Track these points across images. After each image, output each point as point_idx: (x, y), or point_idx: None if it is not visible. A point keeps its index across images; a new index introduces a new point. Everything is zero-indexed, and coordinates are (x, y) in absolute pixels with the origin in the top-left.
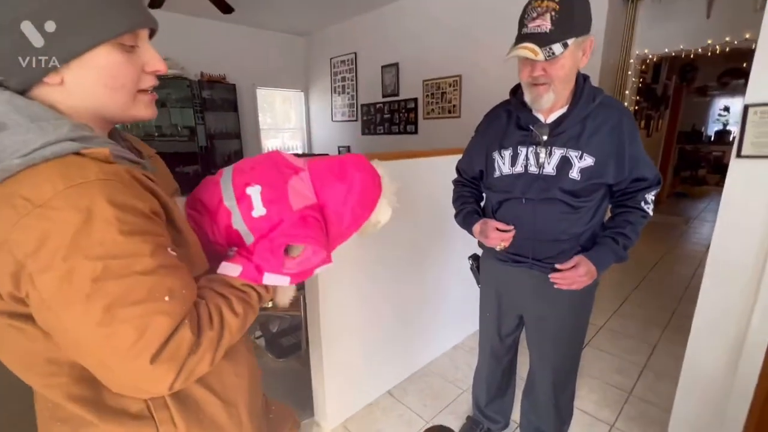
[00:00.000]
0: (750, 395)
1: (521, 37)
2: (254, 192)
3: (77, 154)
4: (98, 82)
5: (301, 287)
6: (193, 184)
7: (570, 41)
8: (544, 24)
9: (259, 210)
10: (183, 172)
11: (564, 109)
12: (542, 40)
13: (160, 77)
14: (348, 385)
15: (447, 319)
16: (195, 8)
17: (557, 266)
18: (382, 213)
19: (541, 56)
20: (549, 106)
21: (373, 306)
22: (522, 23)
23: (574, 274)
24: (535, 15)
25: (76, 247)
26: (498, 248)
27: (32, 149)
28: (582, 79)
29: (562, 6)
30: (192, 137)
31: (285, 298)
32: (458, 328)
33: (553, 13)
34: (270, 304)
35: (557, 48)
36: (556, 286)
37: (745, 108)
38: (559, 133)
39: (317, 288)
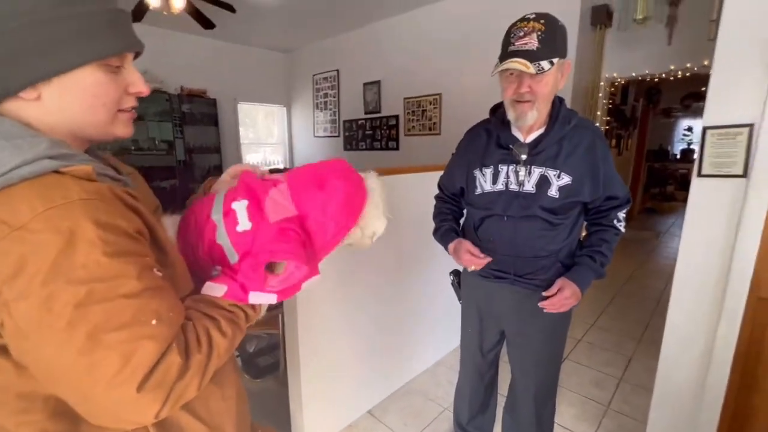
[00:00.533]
0: (720, 404)
1: (509, 54)
2: (240, 207)
3: (56, 172)
4: (79, 100)
5: (279, 305)
6: (171, 199)
7: (555, 60)
8: (532, 42)
9: (243, 224)
10: (160, 186)
11: (542, 130)
12: (531, 56)
13: None
14: (327, 406)
15: (428, 336)
16: (176, 23)
17: (543, 293)
18: (378, 224)
19: (531, 69)
20: (532, 123)
21: (353, 324)
22: (507, 42)
23: (561, 297)
24: (522, 34)
25: (56, 271)
26: (469, 270)
27: (9, 169)
28: (558, 101)
29: (547, 27)
30: (170, 151)
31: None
32: (439, 344)
33: (539, 33)
34: None
35: (545, 64)
36: (545, 311)
37: (704, 130)
38: (538, 152)
39: (295, 306)
